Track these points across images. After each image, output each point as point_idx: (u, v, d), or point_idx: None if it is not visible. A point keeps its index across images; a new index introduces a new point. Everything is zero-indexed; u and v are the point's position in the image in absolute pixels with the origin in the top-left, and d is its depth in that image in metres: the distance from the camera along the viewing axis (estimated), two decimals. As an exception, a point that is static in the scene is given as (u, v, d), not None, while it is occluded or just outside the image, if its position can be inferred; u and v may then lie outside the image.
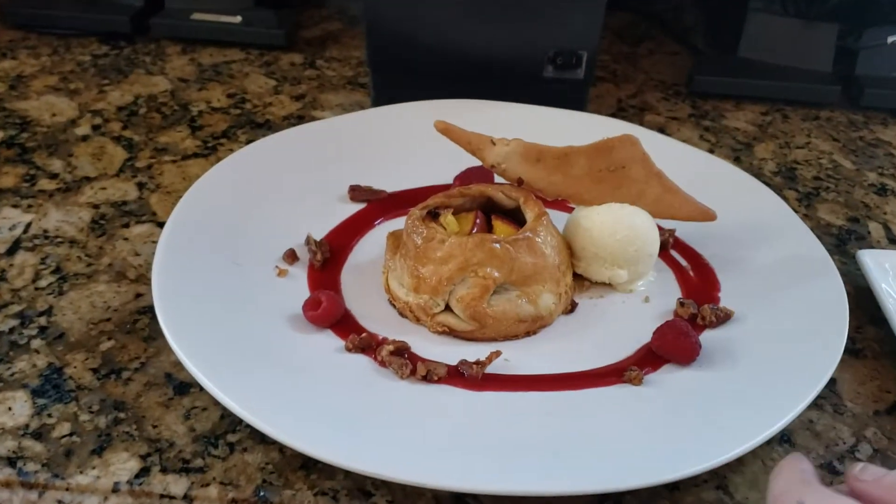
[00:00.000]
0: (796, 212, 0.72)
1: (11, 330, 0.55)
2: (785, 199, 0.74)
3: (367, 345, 0.52)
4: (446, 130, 0.60)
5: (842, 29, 0.90)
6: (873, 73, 0.91)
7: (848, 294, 0.63)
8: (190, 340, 0.49)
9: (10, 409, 0.49)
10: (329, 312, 0.53)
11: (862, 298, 0.63)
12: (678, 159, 0.68)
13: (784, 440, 0.51)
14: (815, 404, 0.53)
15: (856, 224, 0.72)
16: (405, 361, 0.51)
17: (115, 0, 0.96)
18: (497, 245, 0.54)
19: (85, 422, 0.49)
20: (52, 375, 0.52)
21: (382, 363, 0.51)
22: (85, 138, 0.76)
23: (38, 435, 0.48)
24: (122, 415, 0.49)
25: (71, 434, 0.48)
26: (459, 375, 0.51)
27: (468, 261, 0.53)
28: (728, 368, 0.52)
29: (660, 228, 0.61)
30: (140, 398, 0.50)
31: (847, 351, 0.57)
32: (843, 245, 0.69)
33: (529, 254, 0.54)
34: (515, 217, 0.59)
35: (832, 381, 0.55)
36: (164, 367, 0.53)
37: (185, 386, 0.51)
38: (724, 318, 0.55)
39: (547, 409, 0.49)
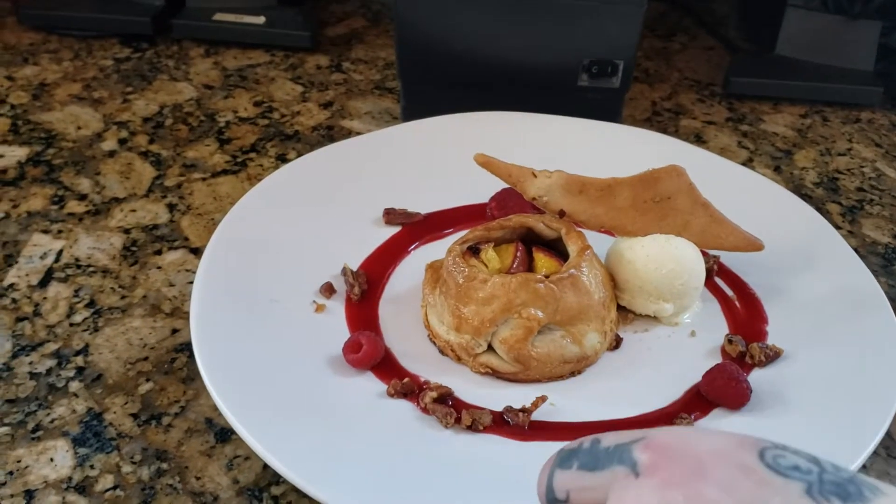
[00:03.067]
0: (839, 228, 0.71)
1: (49, 371, 0.54)
2: (828, 213, 0.73)
3: (410, 390, 0.51)
4: (487, 164, 0.58)
5: (884, 26, 0.87)
6: (917, 73, 0.88)
7: (896, 321, 0.61)
8: (231, 393, 0.48)
9: (51, 459, 0.49)
10: (369, 355, 0.52)
11: (911, 326, 0.61)
12: (718, 177, 0.66)
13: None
14: (867, 447, 0.52)
15: (902, 241, 0.70)
16: (449, 410, 0.50)
17: (136, 0, 0.94)
18: (541, 285, 0.52)
19: (128, 474, 0.48)
20: (93, 422, 0.51)
21: (426, 410, 0.50)
22: (112, 154, 0.75)
23: (82, 489, 0.47)
24: (164, 465, 0.49)
25: (115, 487, 0.47)
26: (505, 424, 0.50)
27: (511, 302, 0.52)
28: (780, 415, 0.50)
29: (704, 254, 0.59)
30: (182, 446, 0.50)
31: (898, 386, 0.56)
32: (889, 265, 0.67)
33: (574, 292, 0.53)
34: (556, 248, 0.58)
35: (884, 421, 0.54)
36: (205, 412, 0.52)
37: (226, 432, 0.51)
38: (773, 356, 0.54)
39: None
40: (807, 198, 0.74)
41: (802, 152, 0.81)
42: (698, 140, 0.81)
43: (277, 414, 0.48)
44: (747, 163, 0.78)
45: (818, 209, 0.73)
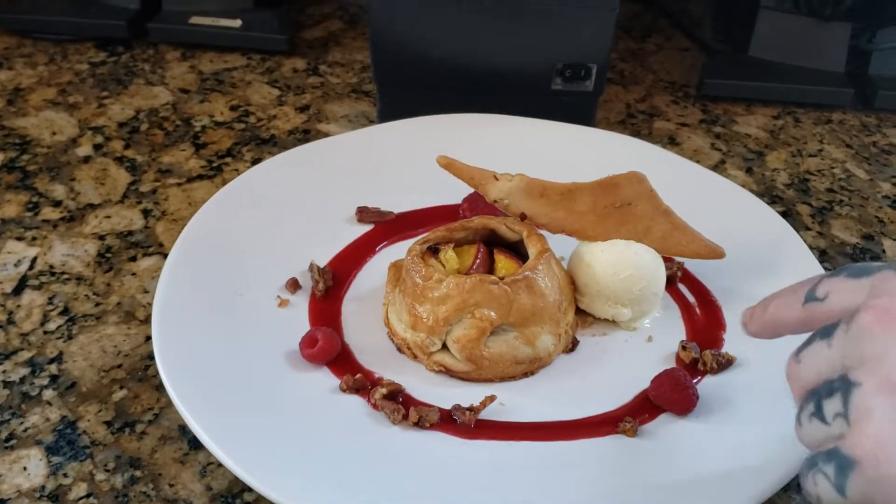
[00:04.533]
0: (809, 229, 0.72)
1: (22, 379, 0.54)
2: (798, 213, 0.74)
3: (362, 386, 0.52)
4: (449, 165, 0.59)
5: (855, 28, 0.88)
6: (887, 74, 0.89)
7: (863, 321, 0.62)
8: (186, 387, 0.49)
9: (24, 468, 0.49)
10: (324, 351, 0.53)
11: (877, 326, 0.62)
12: (685, 181, 0.67)
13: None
14: (833, 446, 0.53)
15: (870, 242, 0.71)
16: (398, 406, 0.50)
17: (111, 3, 0.94)
18: (495, 286, 0.53)
19: (101, 482, 0.48)
20: (66, 430, 0.51)
21: (375, 406, 0.51)
22: (87, 159, 0.75)
23: (55, 497, 0.47)
24: (138, 473, 0.49)
25: (88, 495, 0.48)
26: (452, 422, 0.50)
27: (466, 302, 0.53)
28: (725, 420, 0.51)
29: (668, 261, 0.60)
30: (155, 454, 0.50)
31: (863, 386, 0.57)
32: (857, 266, 0.68)
33: (528, 295, 0.54)
34: (518, 250, 0.58)
35: (849, 421, 0.55)
36: (178, 419, 0.52)
37: (199, 440, 0.51)
38: (725, 364, 0.55)
39: (538, 460, 0.49)
40: (778, 199, 0.75)
41: (774, 153, 0.82)
42: (672, 142, 0.82)
43: (229, 410, 0.49)
44: (720, 164, 0.79)
45: (789, 210, 0.74)
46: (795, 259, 0.62)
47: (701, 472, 0.48)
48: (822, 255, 0.69)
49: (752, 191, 0.71)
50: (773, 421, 0.51)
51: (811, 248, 0.63)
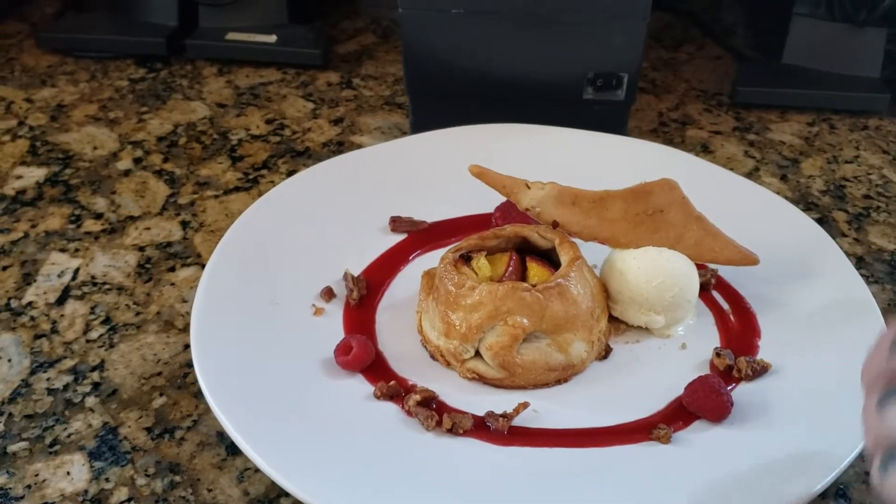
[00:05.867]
0: (846, 235, 0.71)
1: (66, 387, 0.56)
2: (834, 220, 0.73)
3: (396, 392, 0.53)
4: (481, 174, 0.59)
5: (890, 33, 0.88)
6: (924, 79, 0.88)
7: (902, 328, 0.62)
8: (223, 395, 0.50)
9: (68, 473, 0.50)
10: (359, 358, 0.54)
11: (916, 333, 0.61)
12: (718, 189, 0.67)
13: (839, 495, 0.50)
14: (871, 454, 0.52)
15: (908, 248, 0.70)
16: (431, 413, 0.51)
17: (151, 21, 0.96)
18: (527, 294, 0.53)
19: (142, 486, 0.50)
20: (108, 436, 0.52)
21: (409, 413, 0.51)
22: (127, 173, 0.77)
23: (97, 501, 0.49)
24: (177, 478, 0.50)
25: (129, 500, 0.49)
26: (485, 428, 0.51)
27: (498, 309, 0.53)
28: (760, 428, 0.51)
29: (702, 268, 0.60)
30: (194, 459, 0.51)
31: (903, 394, 0.57)
32: (895, 272, 0.68)
33: (561, 301, 0.54)
34: (550, 258, 0.59)
35: (888, 428, 0.54)
36: (216, 425, 0.53)
37: (237, 445, 0.51)
38: (760, 371, 0.54)
39: (571, 467, 0.49)
40: (813, 206, 0.75)
41: (809, 160, 0.81)
42: (705, 150, 0.82)
43: (266, 416, 0.50)
44: (754, 172, 0.79)
45: (824, 217, 0.73)
46: (832, 265, 0.61)
47: (735, 479, 0.48)
48: (859, 262, 0.68)
49: (786, 198, 0.71)
50: (808, 428, 0.50)
51: (847, 254, 0.63)
